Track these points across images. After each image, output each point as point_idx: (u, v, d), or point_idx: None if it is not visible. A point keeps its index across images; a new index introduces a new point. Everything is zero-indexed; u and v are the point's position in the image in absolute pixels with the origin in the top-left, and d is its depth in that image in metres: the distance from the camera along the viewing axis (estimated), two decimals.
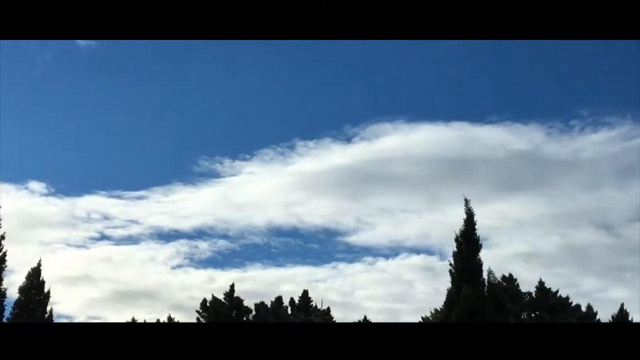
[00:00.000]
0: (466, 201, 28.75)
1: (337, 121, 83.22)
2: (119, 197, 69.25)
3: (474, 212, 28.42)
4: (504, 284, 41.62)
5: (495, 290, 29.12)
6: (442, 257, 66.53)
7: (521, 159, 70.20)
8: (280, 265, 67.35)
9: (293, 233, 72.29)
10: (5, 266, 34.26)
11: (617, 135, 69.43)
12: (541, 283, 42.83)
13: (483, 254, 28.07)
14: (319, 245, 71.69)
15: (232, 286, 43.97)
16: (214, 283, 69.48)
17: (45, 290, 37.77)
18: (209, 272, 66.22)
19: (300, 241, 71.96)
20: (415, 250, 69.89)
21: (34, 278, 37.84)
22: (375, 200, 73.40)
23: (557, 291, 42.92)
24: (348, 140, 71.96)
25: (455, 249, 28.29)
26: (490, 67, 77.51)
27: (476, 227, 28.20)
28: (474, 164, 70.87)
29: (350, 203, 74.10)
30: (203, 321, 42.39)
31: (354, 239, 67.68)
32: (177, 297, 67.93)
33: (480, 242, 28.14)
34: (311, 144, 72.75)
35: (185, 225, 73.46)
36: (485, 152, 70.55)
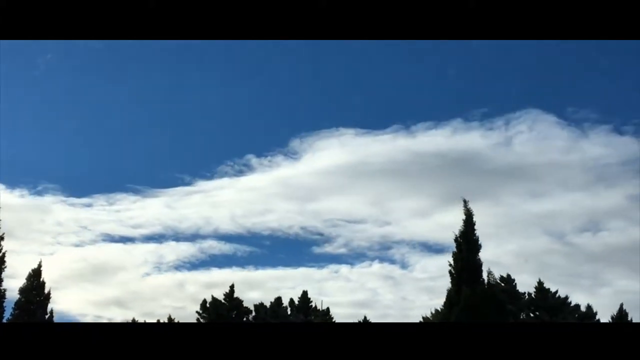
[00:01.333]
0: (465, 202, 29.01)
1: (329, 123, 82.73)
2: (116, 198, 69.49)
3: (473, 213, 28.65)
4: (502, 284, 41.63)
5: (495, 290, 29.20)
6: (404, 266, 66.87)
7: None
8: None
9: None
10: (5, 267, 34.26)
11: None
12: (540, 283, 42.84)
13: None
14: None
15: (232, 287, 43.99)
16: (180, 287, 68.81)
17: (46, 291, 37.82)
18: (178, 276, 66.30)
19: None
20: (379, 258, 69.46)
21: (34, 279, 37.86)
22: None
23: (557, 291, 42.94)
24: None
25: (455, 249, 28.40)
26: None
27: (475, 227, 28.39)
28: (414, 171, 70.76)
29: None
30: (202, 322, 42.39)
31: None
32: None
33: (479, 242, 28.29)
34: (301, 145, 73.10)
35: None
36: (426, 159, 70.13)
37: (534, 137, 69.60)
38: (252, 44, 69.89)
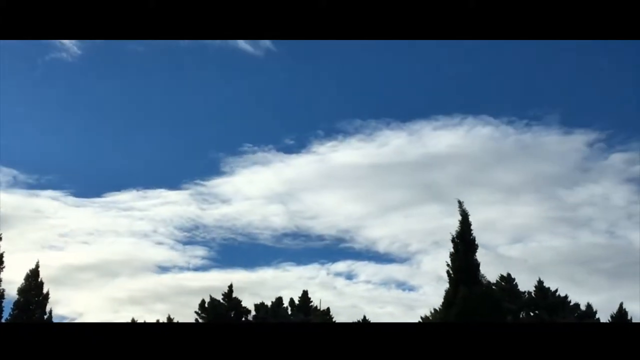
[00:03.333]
0: (460, 203, 29.18)
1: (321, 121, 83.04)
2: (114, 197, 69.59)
3: (469, 214, 28.77)
4: (503, 283, 41.67)
5: (492, 290, 29.22)
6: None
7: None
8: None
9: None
10: (4, 267, 34.21)
11: None
12: (540, 282, 42.89)
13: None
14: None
15: (230, 287, 43.94)
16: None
17: (44, 291, 37.76)
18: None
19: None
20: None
21: (33, 279, 37.80)
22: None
23: (556, 290, 43.00)
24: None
25: (452, 250, 28.46)
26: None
27: (472, 228, 28.49)
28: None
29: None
30: (201, 322, 42.35)
31: None
32: None
33: (476, 242, 28.33)
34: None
35: None
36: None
37: None
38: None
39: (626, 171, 69.86)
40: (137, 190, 69.71)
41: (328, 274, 66.05)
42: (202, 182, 70.78)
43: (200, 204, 69.83)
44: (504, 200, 71.09)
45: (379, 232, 71.84)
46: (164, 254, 68.05)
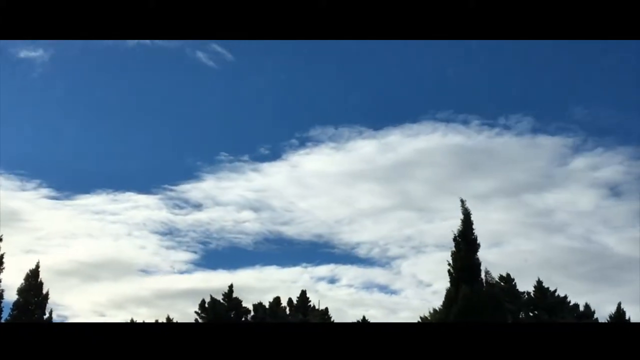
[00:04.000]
0: (462, 202, 29.20)
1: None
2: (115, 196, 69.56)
3: (471, 213, 28.79)
4: (502, 283, 41.70)
5: (494, 289, 29.23)
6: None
7: None
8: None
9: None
10: (4, 267, 34.21)
11: None
12: (539, 282, 42.94)
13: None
14: None
15: (231, 287, 43.96)
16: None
17: (44, 291, 37.73)
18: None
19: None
20: None
21: (32, 279, 37.78)
22: None
23: (555, 290, 43.05)
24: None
25: (453, 249, 28.48)
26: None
27: (474, 227, 28.50)
28: None
29: None
30: (201, 322, 42.35)
31: None
32: None
33: (478, 242, 28.36)
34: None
35: None
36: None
37: None
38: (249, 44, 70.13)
39: (591, 176, 70.35)
40: (107, 194, 69.73)
41: (311, 277, 66.48)
42: (172, 187, 70.92)
43: (172, 208, 70.09)
44: (477, 207, 71.80)
45: (358, 237, 72.42)
46: (144, 257, 68.10)
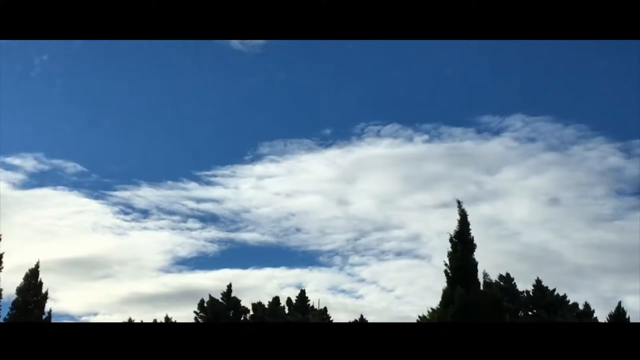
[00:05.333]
0: (459, 203, 29.32)
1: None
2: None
3: (467, 213, 28.89)
4: (502, 283, 41.68)
5: (491, 289, 29.21)
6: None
7: None
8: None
9: None
10: (2, 267, 34.26)
11: None
12: (538, 281, 42.90)
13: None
14: None
15: (230, 286, 43.99)
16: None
17: (43, 291, 37.83)
18: None
19: None
20: None
21: (32, 279, 37.86)
22: None
23: (555, 289, 43.01)
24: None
25: (450, 249, 28.53)
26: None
27: (470, 227, 28.57)
28: None
29: None
30: (200, 321, 42.42)
31: None
32: None
33: (474, 242, 28.41)
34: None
35: None
36: None
37: None
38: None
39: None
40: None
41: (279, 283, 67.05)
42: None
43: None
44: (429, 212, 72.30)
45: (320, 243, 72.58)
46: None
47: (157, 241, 71.20)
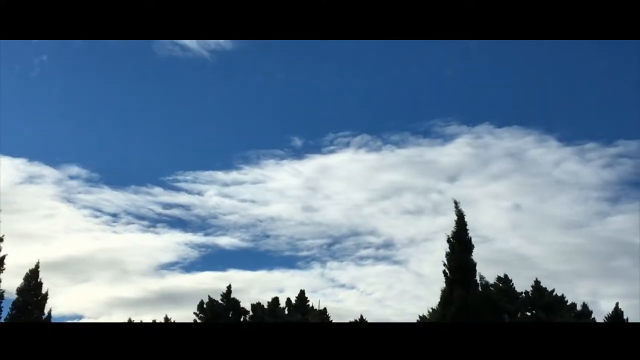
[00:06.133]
0: (456, 203, 29.39)
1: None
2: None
3: (465, 214, 28.96)
4: (500, 284, 41.69)
5: (489, 290, 29.24)
6: None
7: None
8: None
9: None
10: (4, 268, 34.21)
11: None
12: (537, 282, 42.92)
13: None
14: None
15: (229, 287, 44.00)
16: None
17: (43, 291, 37.81)
18: None
19: None
20: None
21: (32, 279, 37.83)
22: None
23: (553, 290, 43.04)
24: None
25: (448, 250, 28.56)
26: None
27: (467, 228, 28.64)
28: None
29: None
30: (200, 322, 42.39)
31: None
32: None
33: (472, 242, 28.47)
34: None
35: None
36: None
37: None
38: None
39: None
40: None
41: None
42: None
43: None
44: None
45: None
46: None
47: (134, 244, 71.76)
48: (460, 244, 28.27)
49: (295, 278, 68.26)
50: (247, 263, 76.16)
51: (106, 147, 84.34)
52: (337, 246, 71.25)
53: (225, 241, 71.59)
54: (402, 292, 68.48)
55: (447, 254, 28.41)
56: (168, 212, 71.70)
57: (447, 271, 28.34)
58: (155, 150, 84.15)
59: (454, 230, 28.69)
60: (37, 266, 38.39)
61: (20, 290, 37.28)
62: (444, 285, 28.26)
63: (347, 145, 75.11)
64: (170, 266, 74.93)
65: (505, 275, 42.61)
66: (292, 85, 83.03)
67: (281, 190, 76.22)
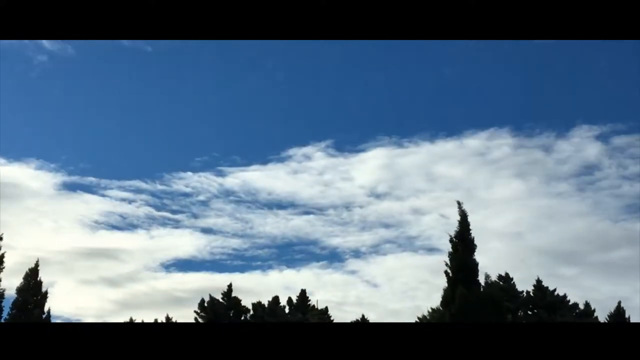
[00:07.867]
0: (459, 204, 29.45)
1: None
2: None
3: (468, 214, 29.03)
4: (501, 283, 41.72)
5: (491, 289, 29.22)
6: None
7: None
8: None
9: None
10: (4, 267, 34.23)
11: None
12: (539, 281, 42.94)
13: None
14: None
15: (230, 286, 43.99)
16: None
17: (43, 290, 37.81)
18: None
19: None
20: None
21: (32, 278, 37.82)
22: None
23: (555, 289, 43.06)
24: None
25: (450, 249, 28.60)
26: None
27: (470, 228, 28.71)
28: None
29: None
30: (201, 321, 42.42)
31: None
32: None
33: (475, 242, 28.51)
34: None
35: None
36: None
37: None
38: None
39: None
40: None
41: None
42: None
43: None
44: None
45: None
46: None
47: (134, 243, 72.41)
48: (463, 244, 28.33)
49: (295, 278, 68.71)
50: (246, 263, 76.36)
51: (106, 146, 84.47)
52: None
53: (225, 241, 71.68)
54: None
55: (450, 254, 28.50)
56: (168, 211, 71.94)
57: (448, 271, 28.37)
58: (155, 149, 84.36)
59: (457, 230, 28.79)
60: (36, 265, 38.40)
61: (20, 290, 37.26)
62: (445, 284, 28.31)
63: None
64: (171, 265, 75.51)
65: (507, 274, 42.65)
66: (292, 85, 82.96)
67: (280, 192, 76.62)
